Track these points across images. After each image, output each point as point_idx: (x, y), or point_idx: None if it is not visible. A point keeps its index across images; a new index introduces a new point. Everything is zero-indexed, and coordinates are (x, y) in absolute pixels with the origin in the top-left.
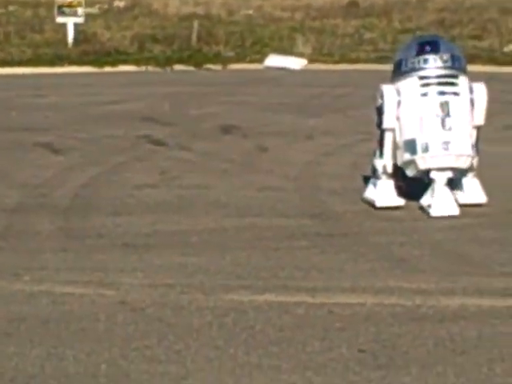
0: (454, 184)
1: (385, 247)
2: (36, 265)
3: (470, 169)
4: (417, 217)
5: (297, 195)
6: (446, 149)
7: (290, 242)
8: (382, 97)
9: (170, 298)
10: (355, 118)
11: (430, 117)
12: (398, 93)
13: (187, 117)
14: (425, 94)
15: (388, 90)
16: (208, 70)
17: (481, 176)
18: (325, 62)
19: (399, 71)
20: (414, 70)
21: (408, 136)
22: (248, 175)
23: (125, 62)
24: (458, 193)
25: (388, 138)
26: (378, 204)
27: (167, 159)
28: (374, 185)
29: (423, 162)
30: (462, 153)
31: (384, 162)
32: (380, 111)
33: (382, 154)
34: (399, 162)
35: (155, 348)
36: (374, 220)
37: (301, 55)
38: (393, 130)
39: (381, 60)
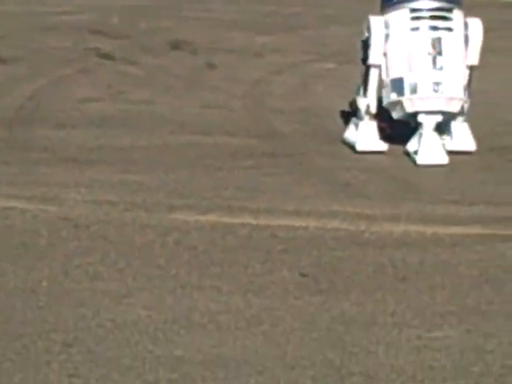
0: (441, 129)
1: (330, 171)
2: None
3: (460, 113)
4: None
5: (243, 114)
6: (437, 90)
7: (234, 161)
8: (368, 29)
9: (113, 216)
10: (307, 37)
11: (420, 54)
12: (387, 26)
13: (137, 30)
14: (415, 29)
15: (376, 21)
16: None
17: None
18: None
19: (389, 1)
20: (405, 0)
21: (395, 74)
22: (194, 92)
23: None
24: (446, 138)
25: (373, 76)
26: (359, 147)
27: (114, 73)
28: (356, 125)
29: (410, 103)
30: (454, 95)
31: (368, 102)
32: (365, 45)
33: (365, 92)
34: (384, 103)
35: (97, 265)
36: (321, 142)
37: None
38: (379, 67)
39: None
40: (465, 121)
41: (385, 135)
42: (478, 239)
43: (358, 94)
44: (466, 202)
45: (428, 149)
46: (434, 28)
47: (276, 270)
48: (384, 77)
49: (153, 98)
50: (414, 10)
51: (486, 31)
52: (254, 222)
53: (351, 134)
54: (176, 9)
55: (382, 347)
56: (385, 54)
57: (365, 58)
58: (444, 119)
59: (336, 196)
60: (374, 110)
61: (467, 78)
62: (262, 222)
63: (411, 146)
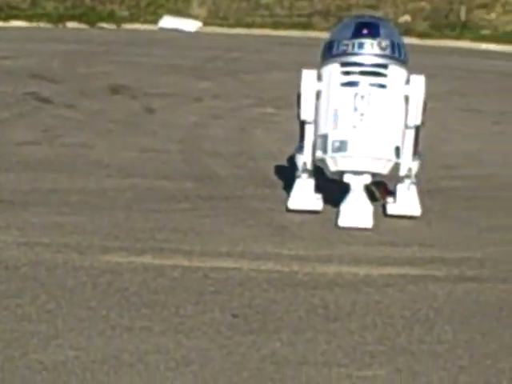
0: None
1: (266, 213)
2: None
3: (407, 175)
4: None
5: (180, 157)
6: (361, 149)
7: (170, 204)
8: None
9: (45, 257)
10: (246, 82)
11: (347, 110)
12: (320, 79)
13: (76, 75)
14: (345, 84)
15: (307, 75)
16: (101, 28)
17: None
18: (220, 25)
19: (328, 54)
20: (342, 54)
21: (321, 131)
22: (132, 136)
23: (16, 17)
24: (390, 201)
25: (308, 131)
26: (290, 205)
27: (52, 117)
28: (293, 184)
29: (333, 162)
30: (381, 156)
31: (304, 159)
32: (299, 99)
33: (302, 149)
34: (316, 160)
35: (27, 307)
36: (257, 185)
37: (196, 17)
38: (313, 123)
39: (276, 25)
40: (413, 183)
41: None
42: (411, 280)
43: (295, 150)
44: (399, 243)
45: (351, 211)
46: (365, 84)
47: (207, 311)
48: (316, 133)
49: (90, 142)
50: (345, 64)
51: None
52: (186, 263)
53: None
54: (116, 53)
55: None
56: (316, 109)
57: (298, 113)
58: (375, 180)
59: (270, 238)
60: (310, 166)
61: (412, 138)
62: (195, 263)
63: (341, 206)
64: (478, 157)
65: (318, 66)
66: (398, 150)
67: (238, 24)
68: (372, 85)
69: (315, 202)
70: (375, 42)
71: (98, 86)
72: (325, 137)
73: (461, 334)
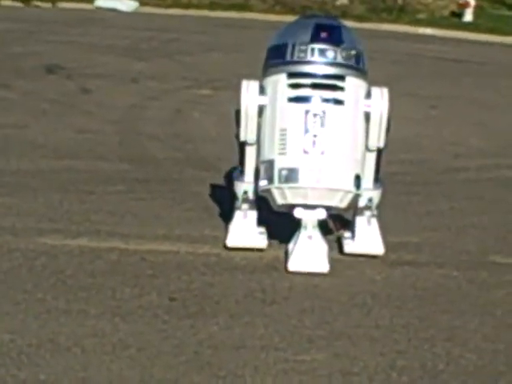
0: (343, 224)
1: (204, 196)
2: None
3: (366, 206)
4: None
5: (117, 139)
6: (314, 179)
7: (106, 186)
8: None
9: None
10: (183, 63)
11: (296, 131)
12: (263, 93)
13: (10, 54)
14: (293, 99)
15: (247, 87)
16: (37, 7)
17: None
18: (157, 5)
19: (275, 61)
20: (292, 62)
21: (266, 156)
22: (68, 117)
23: None
24: (347, 237)
25: (249, 155)
26: (229, 243)
27: None
28: (233, 215)
29: (280, 194)
30: (338, 187)
31: (245, 187)
32: (238, 116)
33: (242, 175)
34: (258, 189)
35: None
36: (195, 168)
37: None
38: (255, 144)
39: (213, 6)
40: (374, 216)
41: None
42: (348, 264)
43: (233, 176)
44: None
45: (302, 253)
46: (318, 99)
47: (144, 294)
48: (259, 157)
49: (25, 123)
50: (292, 75)
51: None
52: (123, 246)
53: (230, 224)
54: (51, 33)
55: (249, 370)
56: (259, 129)
57: (237, 133)
58: (331, 214)
59: (208, 221)
60: (252, 196)
61: (373, 162)
62: (132, 246)
63: (290, 245)
64: (415, 141)
65: (261, 75)
66: (358, 179)
67: (175, 5)
68: (326, 100)
69: (258, 238)
70: (338, 50)
71: (32, 65)
72: (270, 163)
73: (398, 319)
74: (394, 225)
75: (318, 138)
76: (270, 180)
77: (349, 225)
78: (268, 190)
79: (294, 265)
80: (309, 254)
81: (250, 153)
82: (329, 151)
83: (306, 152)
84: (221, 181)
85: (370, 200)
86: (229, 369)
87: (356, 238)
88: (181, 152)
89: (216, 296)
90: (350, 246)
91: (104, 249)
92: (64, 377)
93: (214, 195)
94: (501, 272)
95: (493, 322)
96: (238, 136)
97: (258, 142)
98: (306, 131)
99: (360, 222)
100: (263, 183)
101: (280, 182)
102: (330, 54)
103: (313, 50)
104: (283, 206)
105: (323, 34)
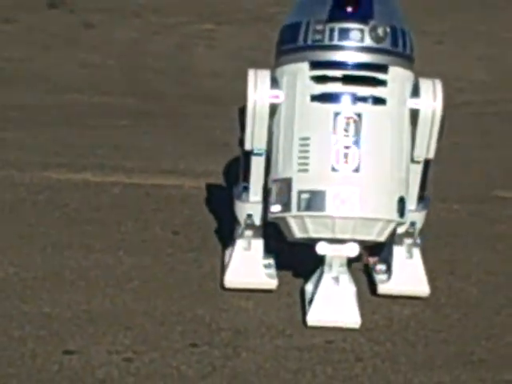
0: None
1: (208, 131)
2: None
3: (408, 233)
4: None
5: (121, 73)
6: (346, 205)
7: (110, 120)
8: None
9: None
10: None
11: (323, 141)
12: (276, 86)
13: None
14: (318, 98)
15: (256, 79)
16: None
17: None
18: None
19: (289, 45)
20: (313, 47)
21: (281, 173)
22: (71, 51)
23: None
24: (380, 272)
25: (257, 168)
26: (228, 283)
27: None
28: (233, 245)
29: (300, 225)
30: (378, 215)
31: (249, 209)
32: (242, 118)
33: (245, 194)
34: (268, 215)
35: None
36: (200, 102)
37: None
38: (264, 154)
39: None
40: (416, 245)
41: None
42: None
43: (233, 194)
44: None
45: (326, 303)
46: (352, 97)
47: (148, 228)
48: (270, 173)
49: (29, 56)
50: (317, 65)
51: None
52: (127, 180)
53: (226, 256)
54: None
55: (252, 304)
56: (271, 135)
57: (241, 139)
58: (364, 249)
59: (212, 156)
60: (258, 221)
61: (418, 177)
62: (136, 180)
63: (308, 286)
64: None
65: (273, 63)
66: (402, 203)
67: None
68: (363, 99)
69: (265, 275)
70: (367, 29)
71: None
72: (286, 183)
73: None
74: None
75: (352, 150)
76: (286, 206)
77: (382, 255)
78: (282, 219)
79: (315, 317)
80: (335, 303)
81: (258, 165)
82: (365, 168)
83: (334, 170)
84: (226, 115)
85: (413, 224)
86: (232, 301)
87: (393, 275)
88: (185, 86)
89: (219, 230)
90: (385, 286)
91: (108, 183)
92: (68, 310)
93: (219, 129)
94: (504, 206)
95: (495, 255)
96: (241, 143)
97: (269, 153)
98: (336, 141)
99: (399, 253)
100: (276, 209)
101: (299, 209)
102: (362, 35)
103: (343, 31)
104: (303, 238)
105: (348, 8)
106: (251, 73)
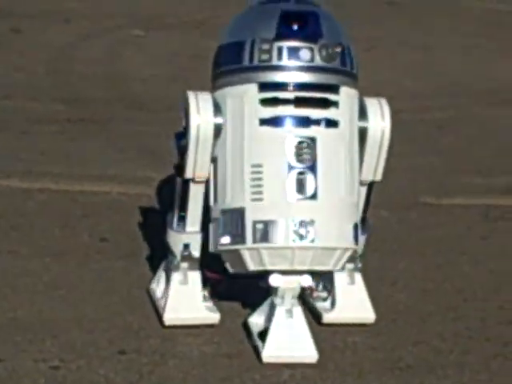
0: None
1: (136, 137)
2: None
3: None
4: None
5: (49, 79)
6: (305, 235)
7: (38, 126)
8: (186, 115)
9: None
10: (115, 2)
11: (277, 168)
12: (219, 110)
13: None
14: (269, 121)
15: (197, 103)
16: None
17: None
18: None
19: (233, 66)
20: (260, 68)
21: (231, 202)
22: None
23: None
24: (323, 300)
25: (195, 196)
26: (168, 320)
27: None
28: (166, 278)
29: (255, 257)
30: (336, 244)
31: (186, 239)
32: (180, 143)
33: (182, 223)
34: (211, 247)
35: None
36: (128, 108)
37: None
38: (205, 182)
39: None
40: (357, 270)
41: (219, 289)
42: None
43: (167, 223)
44: None
45: (281, 338)
46: (304, 121)
47: (76, 234)
48: (211, 201)
49: None
50: (266, 87)
51: None
52: (54, 186)
53: (160, 290)
54: None
55: None
56: (214, 161)
57: (180, 166)
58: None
59: (140, 162)
60: (197, 252)
61: (362, 199)
62: (63, 186)
63: (256, 318)
64: None
65: (212, 83)
66: (356, 230)
67: None
68: (316, 122)
69: (206, 310)
70: (316, 47)
71: None
72: (238, 213)
73: None
74: None
75: (307, 176)
76: (239, 237)
77: (323, 282)
78: (233, 251)
79: (270, 354)
80: (290, 338)
81: (197, 193)
82: (322, 195)
83: (290, 198)
84: (153, 120)
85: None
86: None
87: (337, 303)
88: (114, 92)
89: (147, 237)
90: (329, 315)
91: (35, 189)
92: None
93: (148, 135)
94: (431, 213)
95: (422, 261)
96: (179, 170)
97: (208, 180)
98: (290, 168)
99: (340, 279)
100: (225, 240)
101: (255, 241)
102: (312, 54)
103: (292, 50)
104: (256, 271)
105: (294, 26)
106: (192, 96)
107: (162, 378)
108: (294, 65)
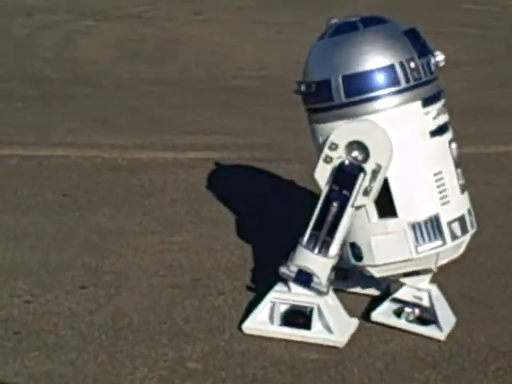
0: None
1: (90, 109)
2: None
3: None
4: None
5: (15, 63)
6: (460, 235)
7: (6, 103)
8: (364, 149)
9: None
10: None
11: (451, 170)
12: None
13: None
14: (438, 132)
15: (378, 129)
16: None
17: None
18: None
19: (389, 88)
20: (422, 84)
21: (420, 212)
22: None
23: None
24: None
25: (346, 220)
26: (339, 343)
27: None
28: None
29: (436, 257)
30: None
31: (331, 261)
32: (344, 173)
33: (326, 245)
34: (421, 252)
35: None
36: (83, 86)
37: None
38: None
39: None
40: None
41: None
42: (212, 161)
43: (307, 245)
44: (202, 132)
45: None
46: (446, 124)
47: (41, 192)
48: (378, 218)
49: None
50: (427, 101)
51: None
52: (22, 152)
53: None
54: None
55: (130, 251)
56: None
57: (347, 199)
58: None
59: (94, 130)
60: (334, 275)
61: None
62: (30, 152)
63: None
64: (264, 60)
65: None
66: None
67: None
68: (449, 122)
69: (351, 320)
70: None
71: None
72: (433, 220)
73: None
74: (247, 128)
75: (459, 169)
76: (440, 240)
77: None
78: (432, 255)
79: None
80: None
81: (348, 218)
82: (464, 183)
83: (461, 191)
84: (104, 96)
85: None
86: (113, 250)
87: (416, 312)
88: (70, 72)
89: (102, 191)
90: (410, 324)
91: (6, 155)
92: None
93: (99, 108)
94: None
95: None
96: (342, 203)
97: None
98: (457, 165)
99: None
100: (424, 248)
101: (453, 238)
102: (432, 66)
103: (422, 64)
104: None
105: (420, 42)
106: (374, 127)
107: (116, 307)
108: (434, 77)
